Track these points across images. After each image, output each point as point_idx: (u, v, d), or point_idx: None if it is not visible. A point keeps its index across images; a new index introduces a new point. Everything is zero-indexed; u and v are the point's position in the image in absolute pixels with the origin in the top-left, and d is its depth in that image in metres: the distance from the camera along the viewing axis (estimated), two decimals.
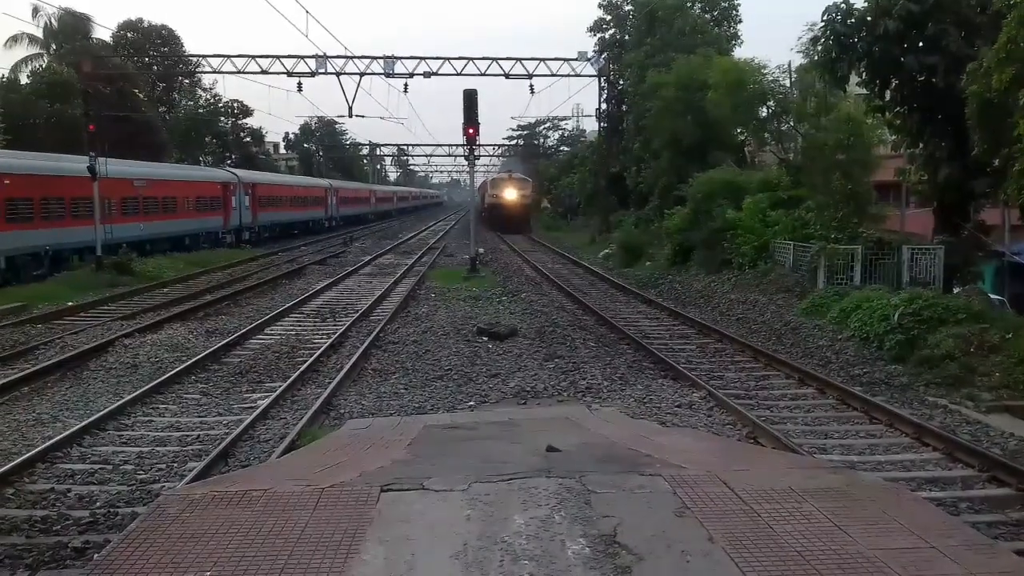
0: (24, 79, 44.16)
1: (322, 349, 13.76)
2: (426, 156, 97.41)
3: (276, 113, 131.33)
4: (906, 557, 4.64)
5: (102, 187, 26.08)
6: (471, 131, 26.67)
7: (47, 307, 19.02)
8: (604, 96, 42.54)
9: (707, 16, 41.04)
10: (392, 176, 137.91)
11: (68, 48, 45.95)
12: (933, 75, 17.42)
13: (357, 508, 5.43)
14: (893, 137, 21.21)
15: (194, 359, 12.95)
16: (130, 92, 45.36)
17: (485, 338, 15.05)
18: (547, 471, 6.14)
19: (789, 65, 27.66)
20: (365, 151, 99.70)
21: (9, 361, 13.20)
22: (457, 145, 70.58)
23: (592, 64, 37.70)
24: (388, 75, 33.89)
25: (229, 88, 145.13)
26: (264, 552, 4.76)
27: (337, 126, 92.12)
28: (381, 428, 8.76)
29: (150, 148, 43.06)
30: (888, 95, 19.01)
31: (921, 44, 17.71)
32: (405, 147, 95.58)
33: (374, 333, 15.23)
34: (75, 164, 26.00)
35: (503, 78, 34.04)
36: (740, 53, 38.09)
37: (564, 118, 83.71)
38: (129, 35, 53.87)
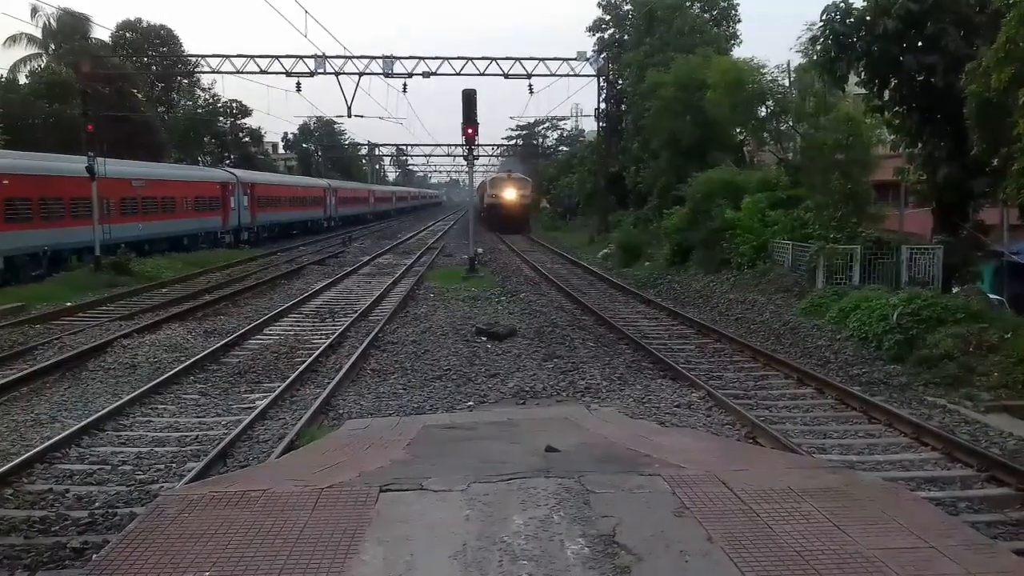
0: (23, 79, 44.11)
1: (321, 349, 13.74)
2: (425, 156, 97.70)
3: (275, 113, 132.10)
4: (905, 557, 4.64)
5: (101, 187, 26.07)
6: (470, 131, 26.65)
7: (46, 307, 19.00)
8: (603, 96, 42.54)
9: (706, 16, 40.99)
10: (391, 176, 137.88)
11: (67, 48, 45.90)
12: (932, 75, 17.43)
13: (356, 508, 5.43)
14: (892, 137, 21.20)
15: (193, 359, 12.93)
16: (129, 92, 45.33)
17: (484, 338, 15.03)
18: (546, 471, 6.15)
19: (788, 65, 27.67)
20: (364, 151, 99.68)
21: (8, 361, 13.18)
22: (456, 145, 70.88)
23: (591, 64, 37.75)
24: (387, 75, 33.93)
25: (228, 88, 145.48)
26: (263, 552, 4.76)
27: (336, 126, 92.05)
28: (380, 428, 8.75)
29: (149, 148, 43.02)
30: (887, 95, 19.02)
31: (920, 44, 17.72)
32: (404, 147, 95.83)
33: (373, 333, 15.21)
34: (74, 164, 25.98)
35: (502, 78, 34.13)
36: (739, 53, 38.09)
37: (563, 118, 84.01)
38: (128, 35, 53.83)
